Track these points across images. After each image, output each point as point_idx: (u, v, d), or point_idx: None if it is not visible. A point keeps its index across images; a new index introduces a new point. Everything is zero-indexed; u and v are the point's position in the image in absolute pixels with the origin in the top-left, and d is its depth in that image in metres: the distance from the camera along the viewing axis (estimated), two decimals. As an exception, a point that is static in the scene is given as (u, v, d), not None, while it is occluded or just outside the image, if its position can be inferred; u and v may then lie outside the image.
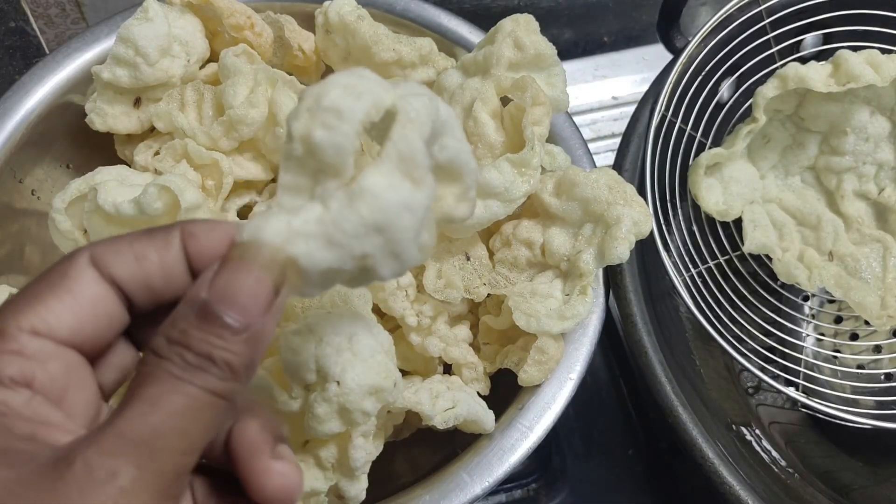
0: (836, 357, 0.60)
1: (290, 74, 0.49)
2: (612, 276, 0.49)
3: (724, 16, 0.53)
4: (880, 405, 0.57)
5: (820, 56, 0.54)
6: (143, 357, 0.23)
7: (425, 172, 0.24)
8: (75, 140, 0.52)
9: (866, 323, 0.57)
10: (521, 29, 0.46)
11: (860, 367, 0.58)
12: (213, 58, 0.52)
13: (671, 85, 0.52)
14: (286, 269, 0.23)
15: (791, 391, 0.50)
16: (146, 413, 0.21)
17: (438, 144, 0.26)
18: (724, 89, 0.57)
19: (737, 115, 0.56)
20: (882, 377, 0.58)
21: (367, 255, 0.23)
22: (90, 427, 0.23)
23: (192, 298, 0.22)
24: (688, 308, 0.49)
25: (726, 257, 0.56)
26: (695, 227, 0.55)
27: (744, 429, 0.56)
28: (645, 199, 0.47)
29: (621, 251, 0.43)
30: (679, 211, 0.54)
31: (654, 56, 0.78)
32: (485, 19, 0.54)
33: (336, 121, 0.23)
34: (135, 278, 0.23)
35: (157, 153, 0.49)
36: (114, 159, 0.51)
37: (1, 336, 0.22)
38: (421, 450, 0.49)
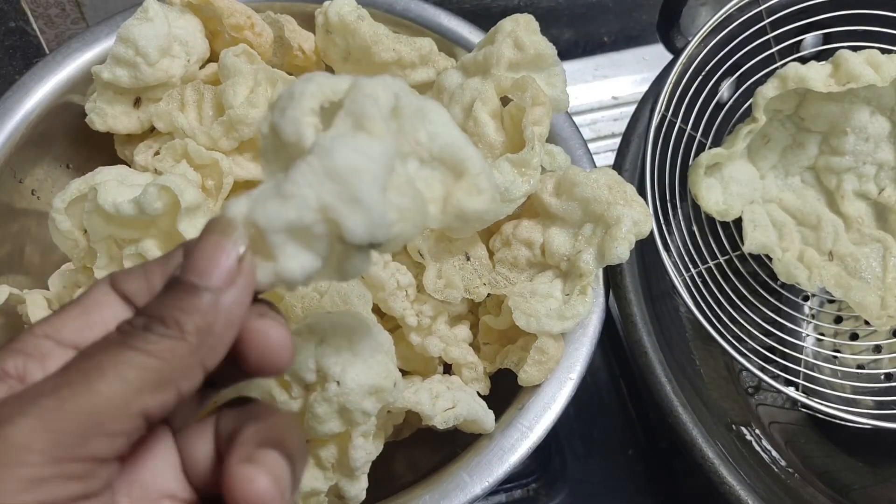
0: (836, 357, 0.60)
1: (290, 74, 0.49)
2: (612, 276, 0.49)
3: (724, 16, 0.53)
4: (880, 405, 0.57)
5: (820, 56, 0.54)
6: None
7: (380, 124, 0.23)
8: (75, 140, 0.52)
9: (866, 323, 0.57)
10: (521, 29, 0.46)
11: (860, 367, 0.58)
12: (213, 58, 0.52)
13: (671, 85, 0.52)
14: (250, 235, 0.23)
15: (791, 391, 0.50)
16: (57, 374, 0.21)
17: (428, 133, 0.26)
18: (724, 89, 0.57)
19: (737, 115, 0.56)
20: (882, 377, 0.58)
21: (325, 205, 0.22)
22: None
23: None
24: (688, 308, 0.49)
25: (726, 257, 0.56)
26: (695, 227, 0.55)
27: (744, 429, 0.56)
28: (645, 199, 0.47)
29: (621, 251, 0.43)
30: (679, 211, 0.54)
31: (654, 56, 0.78)
32: (485, 19, 0.54)
33: (289, 101, 0.24)
34: (140, 290, 0.24)
35: (157, 153, 0.49)
36: (114, 159, 0.51)
37: (16, 339, 0.23)
38: (421, 450, 0.49)
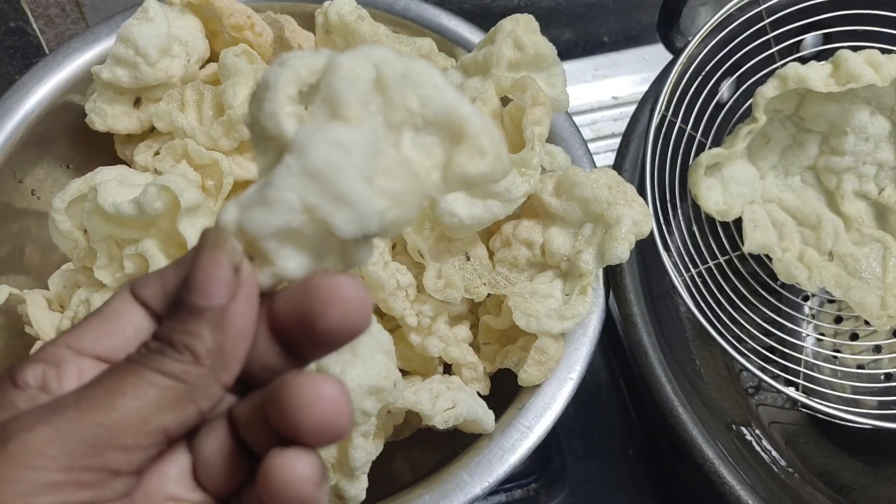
0: (836, 357, 0.60)
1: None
2: (612, 276, 0.49)
3: (724, 16, 0.53)
4: (880, 405, 0.57)
5: (820, 56, 0.54)
6: None
7: (356, 108, 0.22)
8: (75, 140, 0.52)
9: (866, 323, 0.57)
10: (521, 29, 0.46)
11: (860, 367, 0.58)
12: (213, 58, 0.52)
13: (671, 85, 0.52)
14: (245, 241, 0.23)
15: (791, 391, 0.50)
16: (82, 389, 0.22)
17: (419, 98, 0.24)
18: (724, 89, 0.57)
19: (737, 115, 0.56)
20: (882, 377, 0.58)
21: (310, 206, 0.22)
22: None
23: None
24: (688, 308, 0.49)
25: (726, 257, 0.56)
26: (695, 227, 0.55)
27: (744, 429, 0.56)
28: (645, 199, 0.47)
29: (621, 251, 0.43)
30: (679, 211, 0.54)
31: (654, 56, 0.78)
32: (485, 19, 0.54)
33: (265, 92, 0.23)
34: (157, 295, 0.24)
35: (157, 153, 0.49)
36: (114, 159, 0.51)
37: (40, 350, 0.24)
38: (421, 450, 0.49)
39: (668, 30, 0.57)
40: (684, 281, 0.50)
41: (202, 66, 0.51)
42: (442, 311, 0.45)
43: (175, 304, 0.23)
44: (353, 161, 0.22)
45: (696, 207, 0.55)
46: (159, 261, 0.40)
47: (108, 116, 0.49)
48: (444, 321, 0.45)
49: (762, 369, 0.51)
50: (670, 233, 0.52)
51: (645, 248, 0.50)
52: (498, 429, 0.43)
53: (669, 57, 0.56)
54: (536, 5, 0.74)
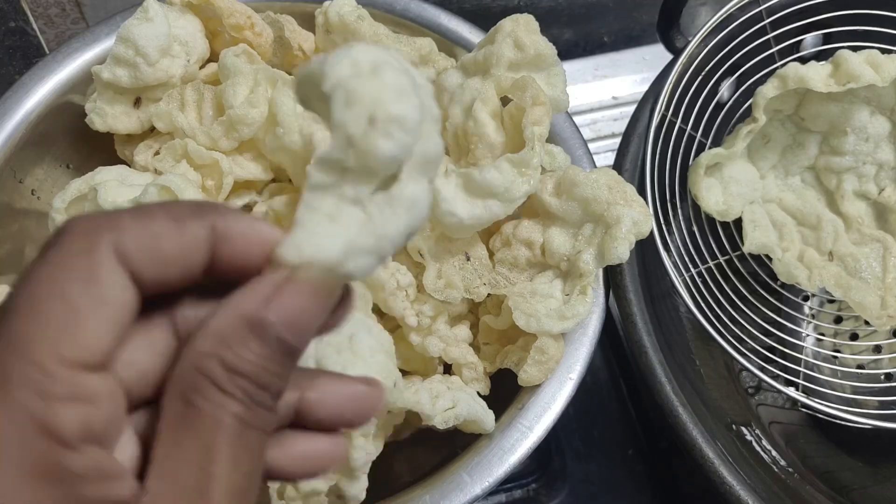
0: (836, 357, 0.60)
1: (290, 74, 0.49)
2: (612, 276, 0.49)
3: (724, 16, 0.53)
4: (880, 405, 0.57)
5: (820, 56, 0.54)
6: (183, 375, 0.20)
7: (435, 168, 0.23)
8: (75, 140, 0.52)
9: (866, 323, 0.57)
10: (521, 29, 0.46)
11: (860, 367, 0.58)
12: (213, 58, 0.52)
13: (671, 85, 0.52)
14: (340, 284, 0.22)
15: (791, 391, 0.50)
16: (201, 461, 0.20)
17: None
18: (724, 89, 0.57)
19: (737, 115, 0.56)
20: (882, 377, 0.58)
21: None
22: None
23: (250, 318, 0.20)
24: (688, 308, 0.49)
25: (726, 257, 0.56)
26: (695, 227, 0.55)
27: (744, 429, 0.56)
28: (645, 199, 0.47)
29: (621, 251, 0.43)
30: (679, 211, 0.54)
31: (654, 56, 0.78)
32: (485, 19, 0.54)
33: (398, 131, 0.21)
34: (146, 259, 0.20)
35: (157, 153, 0.49)
36: (114, 159, 0.51)
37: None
38: (421, 450, 0.49)
39: (668, 30, 0.57)
40: (684, 281, 0.50)
41: (202, 66, 0.51)
42: (442, 311, 0.45)
43: (264, 337, 0.20)
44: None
45: (696, 207, 0.55)
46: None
47: (108, 116, 0.49)
48: (444, 321, 0.45)
49: (762, 369, 0.51)
50: (670, 233, 0.52)
51: (645, 248, 0.50)
52: (498, 429, 0.43)
53: (669, 57, 0.56)
54: (536, 5, 0.74)
